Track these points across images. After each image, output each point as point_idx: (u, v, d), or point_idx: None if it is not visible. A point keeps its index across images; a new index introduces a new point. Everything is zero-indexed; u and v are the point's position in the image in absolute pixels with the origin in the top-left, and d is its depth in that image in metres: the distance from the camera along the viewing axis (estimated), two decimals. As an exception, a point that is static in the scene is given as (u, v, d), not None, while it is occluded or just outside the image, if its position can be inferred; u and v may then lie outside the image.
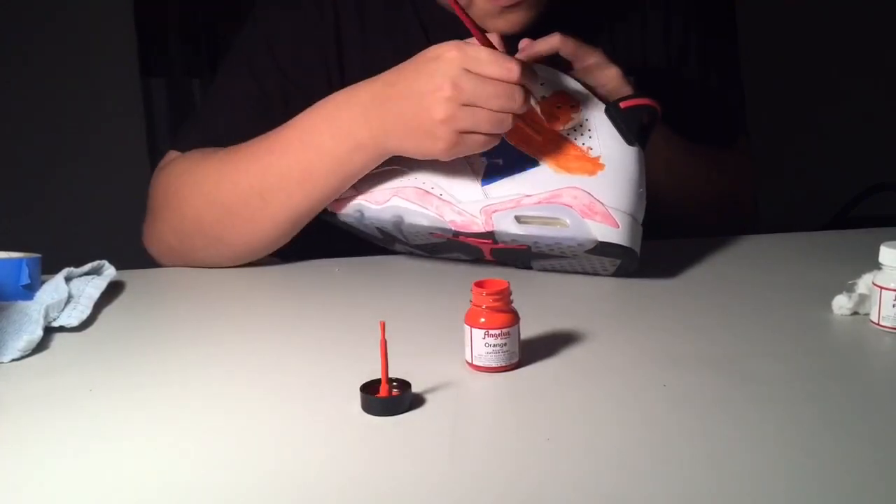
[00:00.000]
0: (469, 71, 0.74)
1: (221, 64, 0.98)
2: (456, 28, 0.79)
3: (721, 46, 1.06)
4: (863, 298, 0.74)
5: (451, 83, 0.74)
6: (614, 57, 0.85)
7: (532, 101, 0.77)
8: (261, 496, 0.51)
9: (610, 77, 0.84)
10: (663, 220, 0.87)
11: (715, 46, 1.05)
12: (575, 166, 0.80)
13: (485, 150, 0.78)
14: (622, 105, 0.80)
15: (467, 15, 0.77)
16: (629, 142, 0.80)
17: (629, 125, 0.80)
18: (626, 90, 0.84)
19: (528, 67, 0.75)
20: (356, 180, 0.84)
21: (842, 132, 2.18)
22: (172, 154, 0.96)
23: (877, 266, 0.72)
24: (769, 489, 0.50)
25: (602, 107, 0.81)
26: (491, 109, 0.75)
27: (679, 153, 0.95)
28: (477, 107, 0.75)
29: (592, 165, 0.80)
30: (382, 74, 0.80)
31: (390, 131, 0.79)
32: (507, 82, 0.74)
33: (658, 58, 1.00)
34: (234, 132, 0.90)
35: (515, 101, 0.75)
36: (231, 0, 1.92)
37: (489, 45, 0.77)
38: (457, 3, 0.77)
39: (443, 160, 0.79)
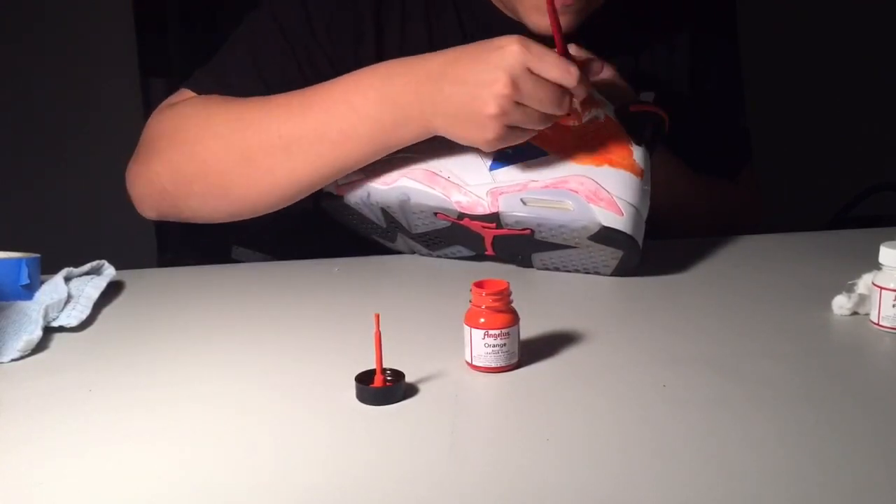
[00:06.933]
0: (529, 70, 0.74)
1: (248, 14, 0.94)
2: (497, 28, 0.79)
3: (729, 73, 1.06)
4: (863, 298, 0.74)
5: (509, 79, 0.74)
6: (638, 74, 0.87)
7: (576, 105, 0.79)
8: (259, 484, 0.51)
9: (621, 91, 0.86)
10: (660, 228, 0.88)
11: (724, 73, 1.06)
12: (582, 156, 0.82)
13: (521, 142, 0.79)
14: (632, 108, 0.83)
15: (556, 15, 0.78)
16: (637, 141, 0.82)
17: (637, 126, 0.83)
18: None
19: (584, 75, 0.76)
20: (390, 153, 0.83)
21: (842, 132, 2.18)
22: (185, 93, 0.92)
23: (877, 266, 0.72)
24: (769, 489, 0.50)
25: (612, 108, 0.83)
26: (540, 111, 0.76)
27: (679, 176, 0.96)
28: (528, 106, 0.75)
29: (600, 158, 0.81)
30: (440, 52, 0.79)
31: (440, 112, 0.78)
32: (564, 86, 0.75)
33: (673, 80, 1.01)
34: (256, 84, 0.88)
35: (563, 107, 0.76)
36: (231, 1, 1.92)
37: (564, 51, 0.78)
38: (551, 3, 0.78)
39: (485, 150, 0.80)
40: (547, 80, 0.75)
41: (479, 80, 0.75)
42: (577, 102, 0.79)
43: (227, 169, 0.85)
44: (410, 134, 0.81)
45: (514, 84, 0.74)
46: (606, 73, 0.85)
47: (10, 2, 2.03)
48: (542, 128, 0.78)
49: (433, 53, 0.79)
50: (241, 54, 0.92)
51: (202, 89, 0.91)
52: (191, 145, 0.86)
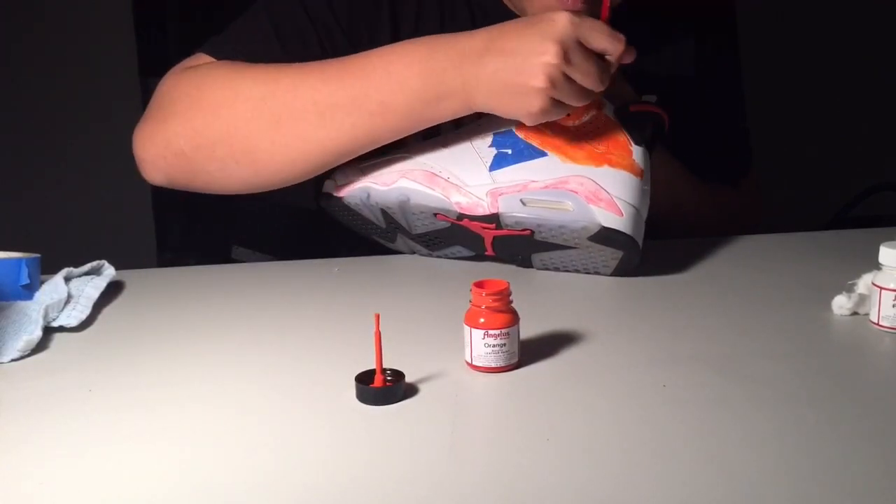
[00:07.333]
0: (578, 42, 0.74)
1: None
2: (503, 20, 0.79)
3: (730, 75, 1.07)
4: (863, 298, 0.74)
5: (560, 48, 0.73)
6: (640, 76, 0.87)
7: None
8: (259, 484, 0.51)
9: (622, 92, 0.86)
10: (660, 228, 0.88)
11: (725, 75, 1.06)
12: (582, 157, 0.82)
13: (558, 118, 0.80)
14: (631, 108, 0.83)
15: None
16: (636, 141, 0.82)
17: (637, 126, 0.83)
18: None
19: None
20: (425, 127, 0.82)
21: (842, 132, 2.18)
22: (202, 57, 0.89)
23: (877, 266, 0.72)
24: (769, 489, 0.50)
25: (612, 108, 0.84)
26: (581, 86, 0.75)
27: (678, 176, 0.96)
28: (572, 80, 0.75)
29: (600, 158, 0.81)
30: (483, 29, 0.78)
31: (482, 86, 0.77)
32: (611, 54, 0.75)
33: (674, 82, 1.01)
34: (277, 53, 0.87)
35: (603, 83, 0.76)
36: (232, 0, 1.92)
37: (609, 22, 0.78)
38: None
39: (528, 124, 0.79)
40: (593, 54, 0.75)
41: (527, 51, 0.74)
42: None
43: (254, 133, 0.82)
44: (450, 109, 0.80)
45: (565, 54, 0.73)
46: (629, 56, 0.86)
47: (10, 2, 2.03)
48: (579, 105, 0.78)
49: (476, 30, 0.79)
50: (262, 24, 0.90)
51: (221, 54, 0.89)
52: (216, 107, 0.83)
